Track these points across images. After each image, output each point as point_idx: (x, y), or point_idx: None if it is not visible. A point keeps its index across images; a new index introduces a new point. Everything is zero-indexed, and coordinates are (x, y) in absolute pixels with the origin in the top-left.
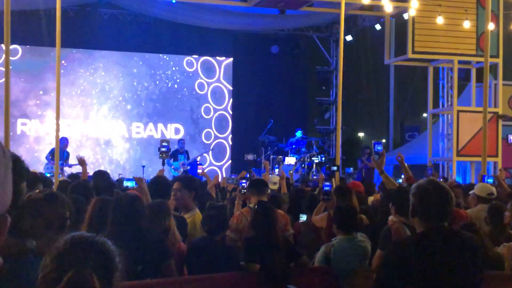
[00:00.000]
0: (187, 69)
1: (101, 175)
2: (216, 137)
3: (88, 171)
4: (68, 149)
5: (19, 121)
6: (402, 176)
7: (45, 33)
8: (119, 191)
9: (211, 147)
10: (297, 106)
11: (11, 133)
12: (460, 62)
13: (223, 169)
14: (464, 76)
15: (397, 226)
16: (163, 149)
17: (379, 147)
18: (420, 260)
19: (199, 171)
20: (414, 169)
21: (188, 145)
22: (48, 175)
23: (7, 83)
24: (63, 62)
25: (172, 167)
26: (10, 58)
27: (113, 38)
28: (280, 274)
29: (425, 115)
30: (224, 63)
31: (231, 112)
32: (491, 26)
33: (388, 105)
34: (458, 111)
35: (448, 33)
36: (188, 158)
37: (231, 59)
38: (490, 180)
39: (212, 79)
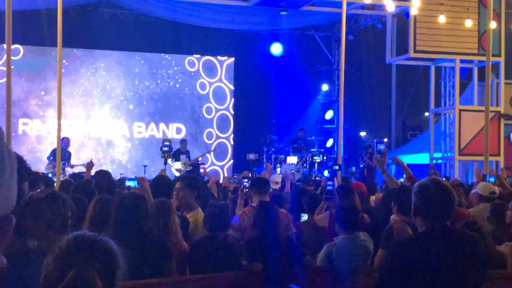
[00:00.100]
0: (189, 68)
1: (103, 175)
2: (217, 137)
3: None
4: (70, 149)
5: (21, 121)
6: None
7: (47, 33)
8: (120, 191)
9: (212, 148)
10: (298, 106)
11: (13, 133)
12: (462, 61)
13: (225, 169)
14: (466, 75)
15: (399, 225)
16: (165, 149)
17: (381, 146)
18: (422, 259)
19: (202, 170)
20: (416, 168)
21: (190, 144)
22: (50, 175)
23: (8, 83)
24: (64, 62)
25: (175, 168)
26: (12, 57)
27: (114, 37)
28: (282, 274)
29: (427, 114)
30: (225, 63)
31: (232, 112)
32: (493, 25)
33: (390, 104)
34: (460, 110)
35: (450, 32)
36: (189, 158)
37: (232, 59)
38: (492, 179)
39: (214, 78)
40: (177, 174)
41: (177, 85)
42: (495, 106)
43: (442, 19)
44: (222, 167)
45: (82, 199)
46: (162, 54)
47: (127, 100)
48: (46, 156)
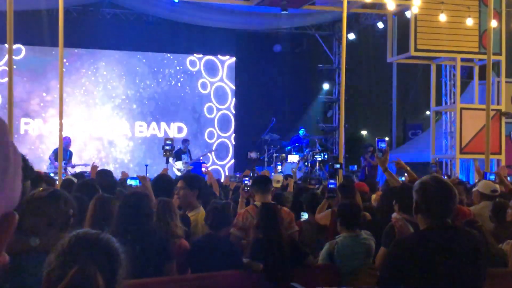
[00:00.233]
0: (190, 68)
1: (105, 174)
2: (219, 136)
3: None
4: (71, 149)
5: (22, 120)
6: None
7: (48, 33)
8: (122, 190)
9: (213, 147)
10: (299, 105)
11: (15, 135)
12: (462, 59)
13: (226, 168)
14: (467, 74)
15: (401, 224)
16: (167, 148)
17: (383, 145)
18: (424, 257)
19: (203, 169)
20: (417, 166)
21: (191, 144)
22: (52, 174)
23: (10, 83)
24: (65, 61)
25: (176, 167)
26: (13, 57)
27: (116, 37)
28: (284, 272)
29: (428, 112)
30: (227, 63)
31: (233, 112)
32: (493, 23)
33: (391, 103)
34: (461, 109)
35: (451, 30)
36: (191, 157)
37: (234, 59)
38: (492, 177)
39: (215, 78)
40: (179, 173)
41: (179, 84)
42: (496, 104)
43: (442, 18)
44: (223, 167)
45: (83, 198)
46: (164, 54)
47: (129, 99)
48: (47, 156)
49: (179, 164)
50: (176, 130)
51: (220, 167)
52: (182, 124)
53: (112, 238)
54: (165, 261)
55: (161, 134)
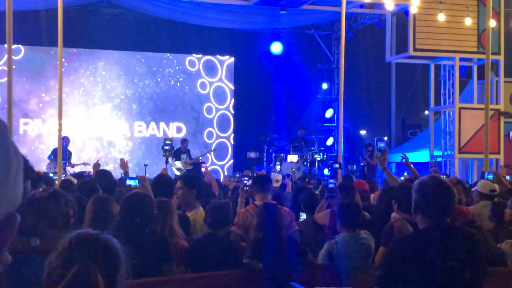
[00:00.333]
0: (189, 68)
1: (104, 174)
2: (218, 137)
3: (90, 170)
4: (71, 149)
5: (21, 121)
6: (405, 174)
7: (47, 33)
8: (122, 190)
9: (213, 147)
10: (298, 104)
11: (15, 136)
12: (461, 59)
13: (225, 169)
14: (466, 74)
15: (400, 223)
16: (167, 147)
17: (382, 144)
18: (423, 256)
19: (203, 169)
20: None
21: (190, 144)
22: (51, 174)
23: (9, 83)
24: (64, 61)
25: (175, 167)
26: (12, 57)
27: (115, 37)
28: (283, 272)
29: (426, 112)
30: (226, 63)
31: (233, 112)
32: (492, 23)
33: (390, 102)
34: (460, 108)
35: (449, 30)
36: (190, 157)
37: (233, 59)
38: (490, 177)
39: (214, 78)
40: (178, 173)
41: (178, 84)
42: (494, 104)
43: (441, 17)
44: (222, 167)
45: (83, 198)
46: (163, 54)
47: (128, 99)
48: (46, 156)
49: (178, 164)
50: (175, 130)
51: (219, 167)
52: (181, 124)
53: (112, 239)
54: (166, 261)
55: (160, 134)
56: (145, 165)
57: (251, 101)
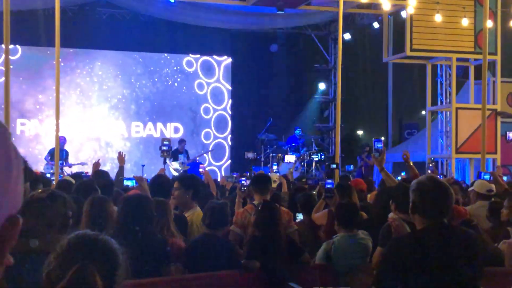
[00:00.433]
0: (187, 69)
1: (101, 174)
2: (215, 137)
3: (87, 171)
4: (68, 149)
5: (18, 121)
6: (402, 174)
7: (44, 33)
8: (119, 190)
9: (210, 147)
10: (296, 104)
11: (13, 138)
12: (458, 59)
13: (223, 169)
14: (463, 74)
15: (397, 223)
16: (164, 148)
17: (379, 145)
18: (420, 256)
19: (201, 170)
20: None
21: (187, 144)
22: (49, 175)
23: (7, 83)
24: (60, 62)
25: (173, 167)
26: (10, 57)
27: (112, 37)
28: (281, 272)
29: (423, 112)
30: (223, 63)
31: (230, 112)
32: (489, 23)
33: (387, 102)
34: (457, 108)
35: (446, 30)
36: (188, 157)
37: (230, 60)
38: (487, 177)
39: (212, 79)
40: (175, 173)
41: (176, 84)
42: (491, 104)
43: (438, 18)
44: (219, 167)
45: (81, 198)
46: (160, 54)
47: (125, 99)
48: (44, 156)
49: (176, 164)
50: (172, 131)
51: (217, 167)
52: (178, 125)
53: (111, 239)
54: (164, 262)
55: (157, 135)
56: (143, 166)
57: (248, 101)
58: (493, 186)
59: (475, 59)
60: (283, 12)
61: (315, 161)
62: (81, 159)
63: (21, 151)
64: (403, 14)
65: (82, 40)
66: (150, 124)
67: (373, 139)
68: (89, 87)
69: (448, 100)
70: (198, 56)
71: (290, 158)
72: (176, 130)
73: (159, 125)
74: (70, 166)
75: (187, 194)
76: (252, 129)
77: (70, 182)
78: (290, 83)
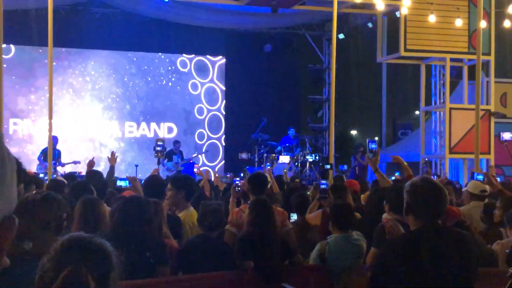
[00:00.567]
0: (181, 69)
1: (94, 175)
2: (209, 138)
3: (81, 170)
4: (59, 147)
5: (11, 120)
6: (396, 174)
7: (36, 32)
8: (113, 191)
9: (204, 149)
10: (290, 105)
11: (6, 140)
12: (452, 59)
13: (216, 170)
14: (456, 74)
15: (391, 224)
16: (158, 148)
17: (374, 146)
18: (414, 257)
19: (195, 170)
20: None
21: (181, 145)
22: (42, 175)
23: (0, 83)
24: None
25: (166, 167)
26: (3, 56)
27: (105, 37)
28: (274, 272)
29: (417, 112)
30: (217, 64)
31: (224, 113)
32: (483, 24)
33: (381, 102)
34: (451, 109)
35: (440, 31)
36: (182, 158)
37: (224, 60)
38: (480, 177)
39: (206, 79)
40: (170, 174)
41: (170, 84)
42: (485, 104)
43: (432, 18)
44: (213, 168)
45: (76, 200)
46: (153, 54)
47: (118, 99)
48: (37, 156)
49: (170, 165)
50: (166, 131)
51: (211, 168)
52: (172, 124)
53: (105, 242)
54: (161, 263)
55: (151, 135)
56: (136, 166)
57: (242, 102)
58: (486, 186)
59: (469, 59)
60: (277, 12)
61: (309, 162)
62: (74, 159)
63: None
64: (397, 14)
65: (75, 39)
66: (143, 124)
67: (367, 139)
68: (82, 87)
69: (441, 100)
70: (192, 56)
71: (284, 158)
72: (170, 130)
73: (153, 125)
74: (63, 165)
75: (179, 194)
76: (246, 129)
77: (62, 182)
78: (284, 83)
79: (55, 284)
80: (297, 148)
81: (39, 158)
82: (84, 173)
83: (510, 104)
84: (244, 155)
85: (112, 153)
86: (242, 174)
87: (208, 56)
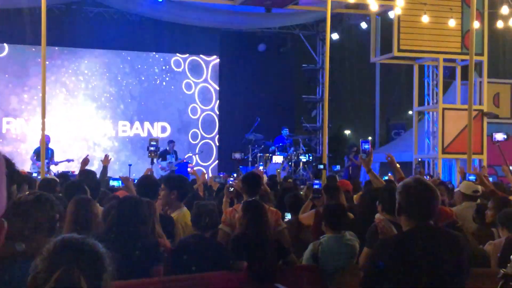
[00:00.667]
0: (175, 68)
1: (88, 174)
2: (202, 137)
3: (74, 170)
4: (52, 146)
5: (4, 120)
6: (389, 174)
7: (30, 31)
8: (106, 191)
9: (197, 150)
10: (283, 104)
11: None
12: (445, 60)
13: (210, 169)
14: (449, 74)
15: (384, 224)
16: (152, 148)
17: (367, 146)
18: (407, 258)
19: (189, 169)
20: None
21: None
22: (35, 174)
23: None
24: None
25: (160, 166)
26: None
27: (99, 36)
28: (267, 272)
29: (410, 112)
30: (211, 63)
31: (217, 113)
32: (476, 24)
33: (374, 102)
34: (443, 109)
35: (433, 31)
36: (176, 158)
37: (218, 60)
38: (472, 178)
39: (200, 79)
40: (163, 173)
41: (164, 83)
42: (478, 104)
43: (425, 18)
44: (207, 168)
45: (65, 200)
46: (147, 53)
47: (112, 98)
48: (30, 156)
49: (164, 164)
50: (159, 130)
51: (204, 168)
52: (165, 124)
53: (98, 244)
54: (156, 262)
55: (144, 134)
56: (129, 165)
57: (236, 101)
58: (479, 187)
59: (462, 60)
60: (271, 12)
61: (303, 161)
62: (68, 158)
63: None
64: (391, 14)
65: (68, 38)
66: (137, 124)
67: (360, 140)
68: (75, 86)
69: (435, 101)
70: (186, 55)
71: (278, 158)
72: (164, 129)
73: (146, 124)
74: (56, 164)
75: (172, 194)
76: (239, 129)
77: (54, 181)
78: (278, 83)
79: (47, 285)
80: (290, 148)
81: (32, 158)
82: (77, 171)
83: (502, 105)
84: (237, 155)
85: (106, 156)
86: (235, 174)
87: (202, 55)
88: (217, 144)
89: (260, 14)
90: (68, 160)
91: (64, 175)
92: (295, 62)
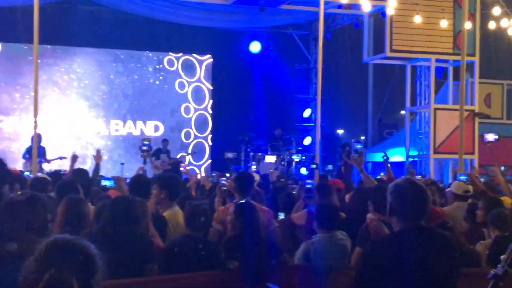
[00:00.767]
0: (168, 67)
1: (80, 173)
2: (195, 137)
3: (66, 168)
4: (44, 145)
5: None
6: (381, 174)
7: (23, 30)
8: (98, 190)
9: (190, 150)
10: (276, 104)
11: None
12: (437, 60)
13: (202, 169)
14: (441, 74)
15: (375, 224)
16: (145, 148)
17: (359, 146)
18: (398, 258)
19: (182, 169)
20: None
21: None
22: (28, 173)
23: None
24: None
25: (153, 165)
26: None
27: (92, 35)
28: (260, 272)
29: (402, 112)
30: (205, 63)
31: (211, 112)
32: (468, 25)
33: (367, 102)
34: (435, 109)
35: (426, 32)
36: (169, 157)
37: (211, 59)
38: (463, 178)
39: (193, 78)
40: (157, 172)
41: (157, 82)
42: (469, 105)
43: (417, 19)
44: (199, 167)
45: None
46: (140, 52)
47: (105, 97)
48: (22, 154)
49: (157, 163)
50: (152, 129)
51: (197, 167)
52: (158, 123)
53: (90, 244)
54: (149, 262)
55: (137, 133)
56: (122, 164)
57: (229, 101)
58: (469, 187)
59: (454, 60)
60: (264, 11)
61: (296, 161)
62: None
63: None
64: (383, 15)
65: (61, 36)
66: (130, 122)
67: (352, 140)
68: (68, 84)
69: (426, 101)
70: (179, 54)
71: (270, 158)
72: (156, 128)
73: (139, 123)
74: (49, 162)
75: (162, 193)
76: (232, 128)
77: (46, 180)
78: (271, 82)
79: (39, 286)
80: (283, 147)
81: (24, 157)
82: (67, 169)
83: (494, 105)
84: (230, 154)
85: (98, 151)
86: (228, 174)
87: (195, 55)
88: (210, 143)
89: (253, 13)
90: (61, 158)
91: (56, 174)
92: (288, 62)
